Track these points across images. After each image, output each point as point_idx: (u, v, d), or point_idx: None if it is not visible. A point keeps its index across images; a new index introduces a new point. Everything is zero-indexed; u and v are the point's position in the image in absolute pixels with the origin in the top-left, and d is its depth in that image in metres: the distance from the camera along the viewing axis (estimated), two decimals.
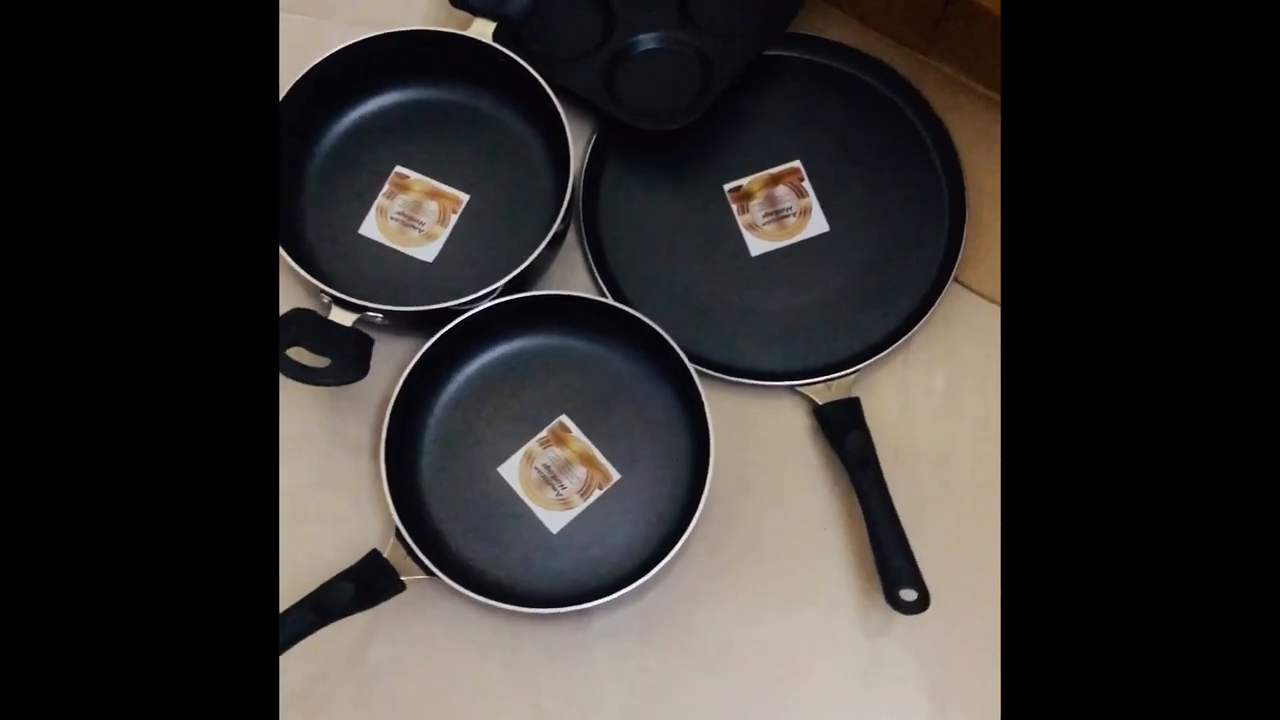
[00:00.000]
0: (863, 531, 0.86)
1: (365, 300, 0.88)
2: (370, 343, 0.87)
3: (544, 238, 0.90)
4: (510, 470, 0.89)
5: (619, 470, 0.89)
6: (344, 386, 0.86)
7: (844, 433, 0.88)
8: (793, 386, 0.91)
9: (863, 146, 0.98)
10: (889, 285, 0.94)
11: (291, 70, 0.92)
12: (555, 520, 0.88)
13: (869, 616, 0.87)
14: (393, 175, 0.97)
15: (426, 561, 0.82)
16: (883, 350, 0.91)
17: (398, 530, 0.83)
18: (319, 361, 0.84)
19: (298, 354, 0.83)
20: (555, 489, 0.89)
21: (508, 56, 0.94)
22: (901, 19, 0.99)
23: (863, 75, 1.00)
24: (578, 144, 0.98)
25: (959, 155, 0.97)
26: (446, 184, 0.96)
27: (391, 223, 0.95)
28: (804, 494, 0.90)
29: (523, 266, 0.89)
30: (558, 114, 0.92)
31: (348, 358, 0.84)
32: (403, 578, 0.82)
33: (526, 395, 0.91)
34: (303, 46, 0.95)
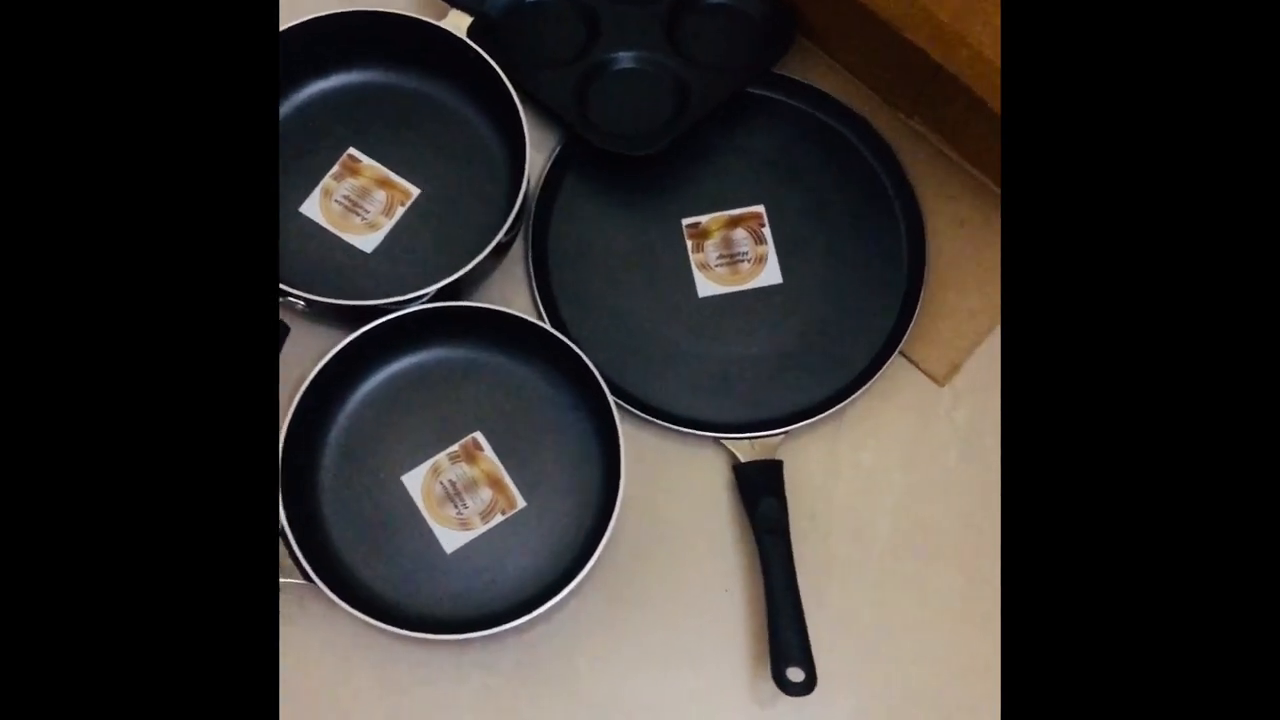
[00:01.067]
0: (764, 597, 0.83)
1: (290, 284, 0.85)
2: (285, 331, 0.83)
3: (488, 245, 0.87)
4: (414, 481, 0.86)
5: (525, 498, 0.86)
6: None
7: (759, 496, 0.85)
8: (717, 438, 0.88)
9: (830, 203, 0.95)
10: (833, 349, 0.91)
11: None
12: (451, 540, 0.85)
13: (758, 687, 0.84)
14: (345, 157, 0.93)
15: (307, 566, 0.79)
16: (816, 415, 0.88)
17: (282, 529, 0.80)
18: None
19: None
20: (457, 507, 0.86)
21: (478, 54, 0.90)
22: (889, 78, 0.96)
23: (842, 129, 0.97)
24: (540, 153, 0.95)
25: (926, 228, 0.94)
26: (399, 174, 0.93)
27: (335, 206, 0.92)
28: (711, 550, 0.88)
29: (459, 274, 0.85)
30: (520, 122, 0.89)
31: None
32: (280, 579, 0.79)
33: (443, 405, 0.88)
34: None
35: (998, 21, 0.77)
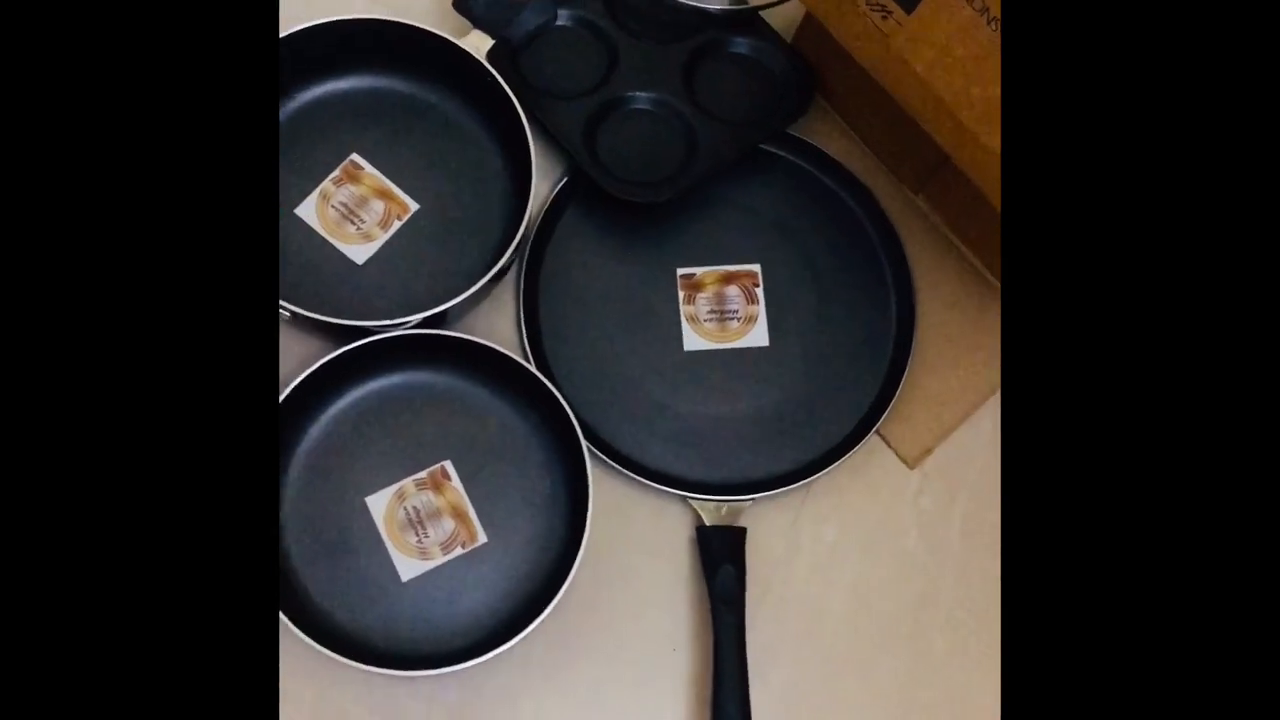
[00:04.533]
0: (711, 663, 0.84)
1: (287, 297, 0.83)
2: None
3: (481, 273, 0.86)
4: (378, 503, 0.85)
5: (487, 533, 0.86)
6: None
7: (719, 564, 0.85)
8: (685, 497, 0.88)
9: (825, 270, 0.95)
10: (810, 419, 0.91)
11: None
12: (408, 568, 0.85)
13: None
14: (347, 162, 0.92)
15: None
16: (786, 485, 0.89)
17: None
18: None
19: None
20: (418, 535, 0.85)
21: (495, 80, 0.89)
22: (901, 153, 0.96)
23: (846, 197, 0.97)
24: (544, 182, 0.94)
25: (917, 307, 0.94)
26: (399, 187, 0.92)
27: (332, 211, 0.91)
28: (665, 607, 0.88)
29: (452, 303, 0.85)
30: (529, 152, 0.88)
31: None
32: None
33: (416, 430, 0.87)
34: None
35: None
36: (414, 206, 0.92)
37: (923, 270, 0.96)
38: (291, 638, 0.79)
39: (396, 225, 0.91)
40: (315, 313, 0.83)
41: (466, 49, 0.90)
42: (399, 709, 0.83)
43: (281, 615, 0.78)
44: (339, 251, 0.90)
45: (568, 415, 0.84)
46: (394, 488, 0.86)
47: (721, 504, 0.88)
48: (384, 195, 0.92)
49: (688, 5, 0.97)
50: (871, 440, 0.92)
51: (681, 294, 0.93)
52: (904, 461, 0.93)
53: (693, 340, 0.93)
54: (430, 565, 0.85)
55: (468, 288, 0.86)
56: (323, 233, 0.90)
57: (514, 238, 0.87)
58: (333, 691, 0.83)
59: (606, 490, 0.88)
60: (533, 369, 0.86)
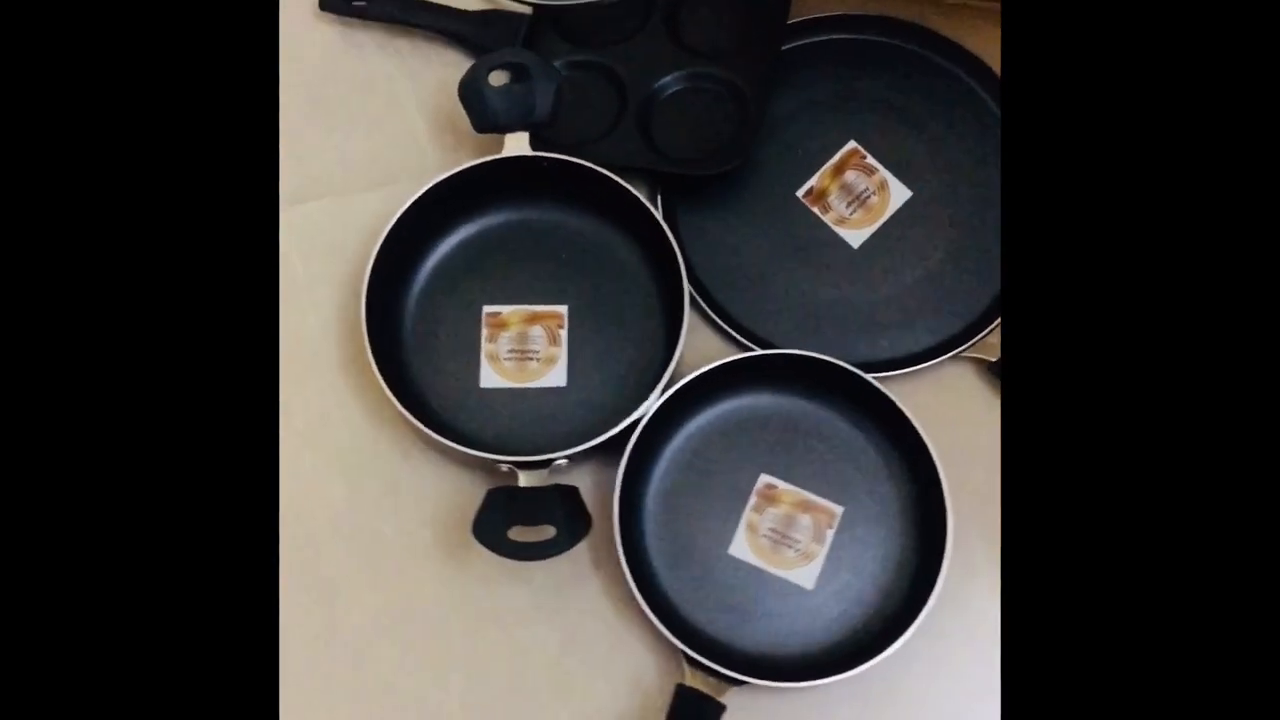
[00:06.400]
0: None
1: (539, 450, 0.85)
2: (577, 493, 0.84)
3: (676, 317, 0.89)
4: (740, 548, 0.88)
5: (839, 502, 0.88)
6: None
7: None
8: (957, 355, 0.91)
9: (906, 105, 0.98)
10: (998, 218, 0.94)
11: (330, 259, 0.92)
12: (805, 576, 0.87)
13: None
14: (485, 317, 0.93)
15: (734, 674, 0.80)
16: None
17: (689, 658, 0.81)
18: (540, 533, 0.81)
19: (519, 534, 0.81)
20: (791, 546, 0.88)
21: (552, 160, 0.91)
22: None
23: (875, 36, 1.00)
24: None
25: (998, 75, 0.97)
26: (539, 303, 0.93)
27: (507, 364, 0.92)
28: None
29: (674, 362, 0.87)
30: (631, 193, 0.91)
31: (567, 517, 0.82)
32: (719, 699, 0.81)
33: (720, 467, 0.89)
34: (328, 232, 0.93)
35: None
36: (563, 310, 0.93)
37: (979, 46, 0.98)
38: (779, 695, 0.82)
39: (564, 334, 0.93)
40: (585, 443, 0.85)
41: (513, 155, 0.91)
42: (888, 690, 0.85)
43: (766, 682, 0.81)
44: (542, 389, 0.91)
45: (839, 366, 0.87)
46: (741, 526, 0.88)
47: (990, 335, 0.91)
48: (534, 319, 0.93)
49: None
50: None
51: (814, 209, 0.96)
52: None
53: (855, 236, 0.95)
54: (819, 562, 0.87)
55: (668, 340, 0.90)
56: (515, 385, 0.92)
57: (679, 275, 0.89)
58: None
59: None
60: (777, 351, 0.90)
